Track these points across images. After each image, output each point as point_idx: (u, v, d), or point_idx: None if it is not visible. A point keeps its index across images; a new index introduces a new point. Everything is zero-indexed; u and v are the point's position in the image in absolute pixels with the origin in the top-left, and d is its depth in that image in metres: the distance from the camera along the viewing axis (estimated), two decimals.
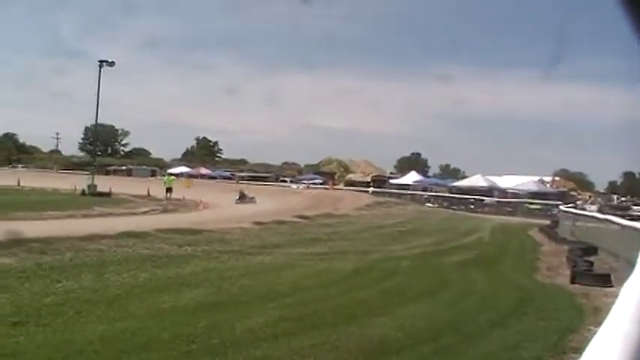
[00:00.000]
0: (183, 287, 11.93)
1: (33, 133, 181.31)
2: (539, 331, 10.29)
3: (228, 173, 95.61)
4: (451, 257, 20.05)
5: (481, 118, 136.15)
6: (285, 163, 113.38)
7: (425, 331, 10.22)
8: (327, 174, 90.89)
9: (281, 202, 42.81)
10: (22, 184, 53.27)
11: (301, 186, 74.69)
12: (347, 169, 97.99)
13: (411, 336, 9.72)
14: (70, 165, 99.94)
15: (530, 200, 59.79)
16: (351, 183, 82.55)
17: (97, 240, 16.59)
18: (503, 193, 65.57)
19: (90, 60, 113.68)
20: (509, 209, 57.32)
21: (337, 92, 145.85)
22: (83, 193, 43.77)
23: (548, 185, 74.72)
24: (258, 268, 15.07)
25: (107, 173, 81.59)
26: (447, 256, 20.34)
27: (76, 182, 47.89)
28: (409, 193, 67.38)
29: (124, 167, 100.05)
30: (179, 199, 40.88)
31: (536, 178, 69.59)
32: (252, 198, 47.37)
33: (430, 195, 67.69)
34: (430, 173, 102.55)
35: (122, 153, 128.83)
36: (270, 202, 41.38)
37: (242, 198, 47.97)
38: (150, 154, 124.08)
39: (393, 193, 66.52)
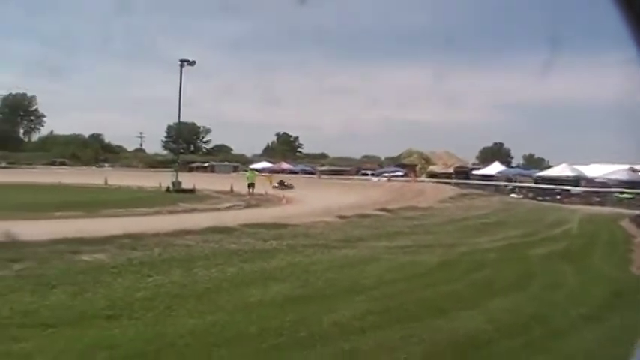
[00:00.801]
0: (270, 281, 12.01)
1: (118, 133, 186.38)
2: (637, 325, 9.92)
3: (309, 168, 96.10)
4: (539, 249, 19.56)
5: (565, 105, 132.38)
6: (366, 156, 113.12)
7: (514, 324, 10.02)
8: (409, 166, 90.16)
9: (363, 196, 42.72)
10: (109, 182, 54.91)
11: (382, 179, 74.39)
12: (428, 161, 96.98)
13: (499, 329, 9.54)
14: (154, 163, 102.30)
15: (621, 190, 57.68)
16: (432, 175, 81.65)
17: (184, 235, 16.90)
18: (591, 182, 63.42)
19: (171, 60, 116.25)
20: (598, 199, 55.43)
21: (416, 84, 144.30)
22: (168, 190, 44.79)
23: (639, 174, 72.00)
24: (342, 262, 15.05)
25: (190, 170, 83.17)
26: (535, 247, 19.86)
27: (160, 180, 49.06)
28: (493, 184, 66.06)
29: (206, 164, 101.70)
30: (261, 194, 41.32)
31: (626, 167, 67.08)
32: (291, 186, 51.29)
33: (514, 186, 66.17)
34: (514, 163, 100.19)
35: (204, 150, 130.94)
36: (352, 196, 41.35)
37: (281, 185, 53.41)
38: (231, 150, 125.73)
39: (476, 184, 65.43)
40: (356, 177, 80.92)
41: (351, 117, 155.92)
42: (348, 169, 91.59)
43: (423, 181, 69.85)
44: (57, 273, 11.51)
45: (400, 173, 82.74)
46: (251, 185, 43.96)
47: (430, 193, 46.06)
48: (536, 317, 10.45)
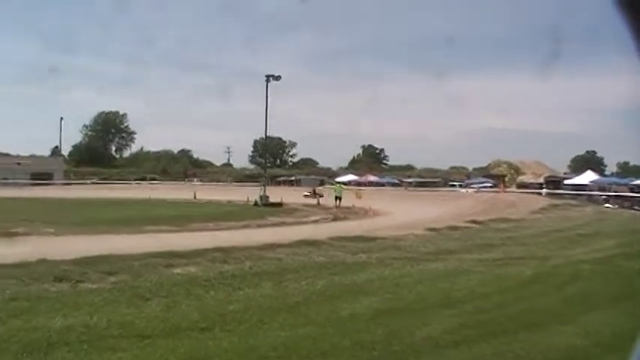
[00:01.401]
0: (360, 294, 11.92)
1: (206, 149, 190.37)
2: None
3: (395, 180, 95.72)
4: (637, 262, 18.81)
5: None
6: (453, 167, 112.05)
7: (613, 340, 9.62)
8: (497, 177, 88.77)
9: (451, 208, 42.19)
10: (198, 196, 55.94)
11: (470, 190, 73.41)
12: (517, 171, 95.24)
13: (597, 344, 9.18)
14: (242, 177, 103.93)
15: None
16: (522, 185, 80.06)
17: (274, 249, 17.04)
18: None
19: (256, 75, 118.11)
20: None
21: (503, 93, 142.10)
22: (256, 203, 45.28)
23: None
24: (433, 275, 14.83)
25: (277, 184, 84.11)
26: (633, 260, 19.09)
27: (248, 194, 49.69)
28: (585, 194, 64.20)
29: (293, 177, 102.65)
30: (348, 207, 41.31)
31: None
32: (322, 195, 51.31)
33: (609, 195, 64.03)
34: (607, 172, 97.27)
35: (290, 164, 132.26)
36: (440, 208, 40.86)
37: (313, 194, 55.28)
38: (317, 163, 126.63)
39: (568, 194, 63.66)
40: (443, 188, 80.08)
41: (436, 128, 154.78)
42: (435, 180, 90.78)
43: (512, 192, 68.50)
44: (150, 286, 11.77)
45: (488, 184, 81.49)
46: (338, 198, 44.02)
47: (520, 204, 45.11)
48: (635, 333, 9.99)
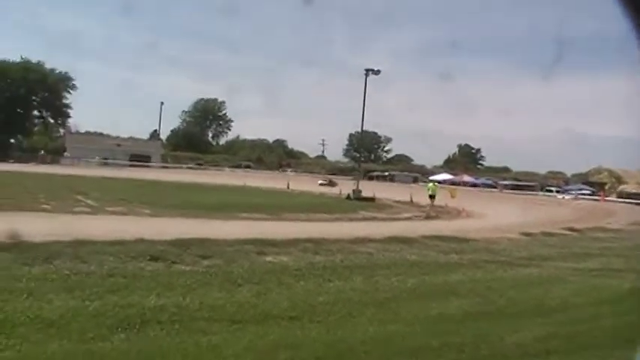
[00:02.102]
0: (450, 295, 11.74)
1: (301, 140, 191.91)
2: None
3: (490, 181, 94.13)
4: None
5: None
6: (551, 171, 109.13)
7: None
8: (597, 184, 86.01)
9: (548, 213, 41.13)
10: (291, 187, 56.41)
11: (568, 196, 71.41)
12: (619, 180, 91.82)
13: None
14: (335, 170, 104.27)
15: None
16: (624, 195, 77.23)
17: (365, 243, 17.01)
18: None
19: (355, 69, 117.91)
20: None
21: (607, 97, 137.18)
22: (348, 197, 45.23)
23: None
24: (525, 281, 14.46)
25: (370, 179, 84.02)
26: None
27: (341, 187, 49.77)
28: None
29: (386, 173, 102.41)
30: (441, 207, 40.82)
31: None
32: (336, 184, 53.98)
33: None
34: None
35: (384, 159, 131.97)
36: (536, 212, 39.91)
37: (329, 183, 58.33)
38: (412, 160, 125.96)
39: None
40: (540, 193, 78.18)
41: (536, 130, 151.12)
42: (531, 184, 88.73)
43: (612, 201, 66.21)
44: (243, 272, 11.94)
45: (587, 191, 79.05)
46: (432, 197, 43.50)
47: (621, 214, 43.57)
48: None
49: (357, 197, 44.59)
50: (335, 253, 15.03)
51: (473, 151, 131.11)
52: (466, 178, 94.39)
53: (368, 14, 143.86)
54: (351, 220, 28.09)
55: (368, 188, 48.22)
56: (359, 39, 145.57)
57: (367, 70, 53.32)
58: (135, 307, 8.86)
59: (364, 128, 60.12)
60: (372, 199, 43.43)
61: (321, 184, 65.08)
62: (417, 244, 18.23)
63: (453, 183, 79.82)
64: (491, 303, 11.60)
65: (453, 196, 45.81)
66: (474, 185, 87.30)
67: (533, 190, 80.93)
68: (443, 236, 20.33)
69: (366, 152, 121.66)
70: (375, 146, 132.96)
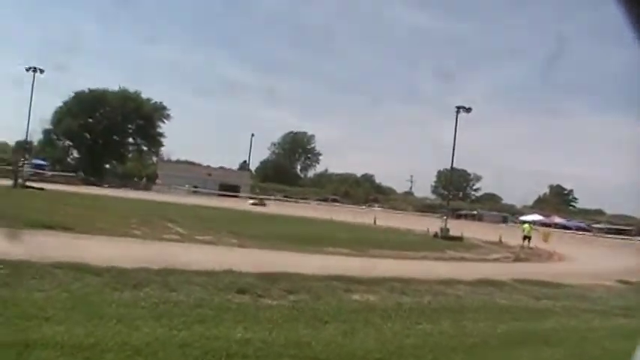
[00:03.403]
0: (543, 344, 11.26)
1: (389, 175, 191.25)
2: None
3: (583, 224, 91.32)
4: None
5: None
6: None
7: None
8: None
9: None
10: (377, 222, 56.08)
11: None
12: None
13: None
14: (423, 207, 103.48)
15: None
16: None
17: (454, 284, 16.61)
18: None
19: (445, 105, 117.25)
20: None
21: None
22: (435, 235, 44.64)
23: None
24: (623, 332, 13.75)
25: (458, 217, 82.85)
26: None
27: (428, 224, 49.16)
28: None
29: (474, 212, 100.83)
30: (531, 248, 39.80)
31: None
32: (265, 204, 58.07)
33: None
34: None
35: (473, 197, 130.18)
36: (633, 259, 38.27)
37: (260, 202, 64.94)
38: (501, 199, 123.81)
39: None
40: (637, 238, 75.25)
41: (633, 171, 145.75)
42: (628, 228, 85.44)
43: None
44: (329, 309, 11.78)
45: None
46: (527, 238, 42.53)
47: None
48: None
49: (444, 236, 43.91)
50: (423, 294, 14.72)
51: (565, 191, 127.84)
52: (557, 219, 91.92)
53: (460, 52, 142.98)
54: (438, 259, 27.60)
55: (456, 227, 47.48)
56: (451, 75, 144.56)
57: (458, 108, 53.03)
58: (221, 339, 8.82)
59: (454, 165, 59.53)
60: (459, 239, 42.66)
61: (252, 204, 73.16)
62: (507, 288, 17.70)
63: (543, 224, 77.80)
64: (586, 354, 11.09)
65: (545, 240, 44.60)
66: (566, 227, 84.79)
67: (629, 235, 78.00)
68: (534, 280, 19.68)
69: (455, 190, 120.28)
70: (464, 184, 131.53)
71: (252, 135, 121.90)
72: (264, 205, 74.76)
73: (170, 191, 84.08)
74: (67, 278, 11.69)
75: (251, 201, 78.63)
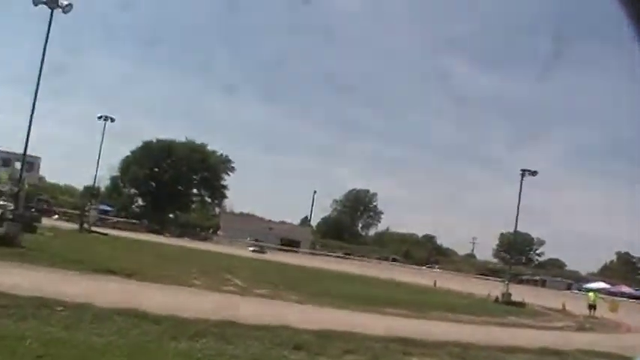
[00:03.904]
0: None
1: (451, 237, 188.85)
2: None
3: None
4: None
5: None
6: None
7: None
8: None
9: None
10: (437, 284, 55.28)
11: None
12: None
13: None
14: (484, 270, 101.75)
15: None
16: None
17: (515, 352, 16.09)
18: None
19: (510, 168, 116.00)
20: None
21: None
22: (497, 300, 43.75)
23: None
24: None
25: (520, 282, 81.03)
26: None
27: (489, 288, 48.24)
28: None
29: (537, 277, 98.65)
30: (596, 318, 38.54)
31: None
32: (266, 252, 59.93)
33: None
34: None
35: (536, 262, 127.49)
36: None
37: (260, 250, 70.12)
38: (565, 265, 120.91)
39: None
40: None
41: None
42: None
43: None
44: None
45: None
46: (592, 307, 41.24)
47: None
48: None
49: (506, 301, 42.97)
50: None
51: (633, 259, 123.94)
52: (624, 288, 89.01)
53: (526, 114, 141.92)
54: (499, 324, 26.86)
55: (518, 292, 46.42)
56: (518, 137, 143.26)
57: (523, 171, 52.31)
58: None
59: (517, 229, 58.50)
60: (522, 304, 41.65)
61: (252, 251, 73.68)
62: (571, 359, 17.06)
63: (609, 293, 75.41)
64: None
65: (613, 310, 43.12)
66: (634, 297, 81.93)
67: None
68: (600, 352, 18.94)
69: (517, 254, 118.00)
70: (527, 248, 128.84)
71: (315, 192, 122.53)
72: (264, 252, 74.84)
73: (231, 243, 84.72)
74: (126, 324, 11.78)
75: (251, 248, 78.14)
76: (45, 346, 9.34)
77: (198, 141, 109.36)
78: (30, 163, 34.75)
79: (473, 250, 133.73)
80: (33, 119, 30.95)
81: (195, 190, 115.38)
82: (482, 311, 31.52)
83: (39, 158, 38.21)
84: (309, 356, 11.87)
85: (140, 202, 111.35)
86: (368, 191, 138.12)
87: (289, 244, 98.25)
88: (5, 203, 36.00)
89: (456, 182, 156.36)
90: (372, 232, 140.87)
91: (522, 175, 52.22)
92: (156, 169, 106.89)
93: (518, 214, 53.02)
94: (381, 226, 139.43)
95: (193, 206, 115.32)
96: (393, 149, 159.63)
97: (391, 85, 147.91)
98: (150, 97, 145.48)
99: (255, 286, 26.33)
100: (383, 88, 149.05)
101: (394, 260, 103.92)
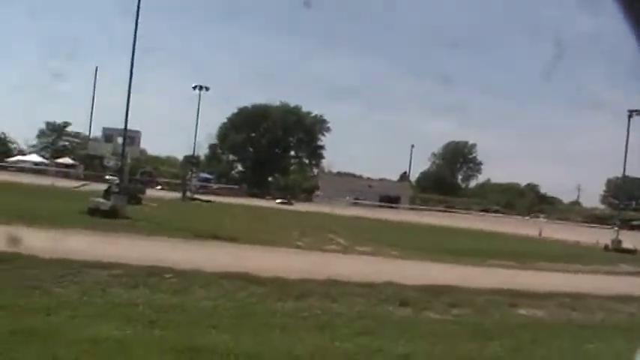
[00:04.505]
0: None
1: (554, 185, 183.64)
2: None
3: None
4: None
5: None
6: None
7: None
8: None
9: None
10: (542, 234, 54.01)
11: None
12: None
13: None
14: (591, 218, 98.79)
15: None
16: None
17: (629, 302, 15.48)
18: None
19: (617, 110, 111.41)
20: None
21: None
22: (606, 248, 42.39)
23: None
24: None
25: (631, 228, 78.27)
26: None
27: (598, 236, 46.79)
28: None
29: None
30: None
31: None
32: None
33: None
34: None
35: None
36: None
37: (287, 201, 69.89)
38: None
39: None
40: None
41: None
42: None
43: None
44: (494, 324, 11.37)
45: None
46: None
47: None
48: None
49: (616, 248, 41.57)
50: (594, 311, 13.86)
51: None
52: None
53: (629, 52, 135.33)
54: (609, 273, 26.02)
55: (629, 239, 44.82)
56: (623, 77, 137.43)
57: (630, 112, 50.01)
58: (383, 352, 8.72)
59: (626, 174, 56.27)
60: (633, 251, 40.19)
61: (278, 202, 73.28)
62: None
63: None
64: None
65: None
66: None
67: None
68: None
69: (626, 199, 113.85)
70: (637, 193, 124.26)
71: (412, 146, 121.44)
72: (291, 204, 74.61)
73: (331, 203, 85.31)
74: (232, 288, 12.03)
75: (278, 200, 77.76)
76: (156, 312, 9.66)
77: (292, 103, 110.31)
78: (131, 137, 35.70)
79: (578, 198, 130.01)
80: (131, 94, 31.65)
81: (292, 153, 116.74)
82: (591, 260, 30.59)
83: (139, 132, 39.08)
84: (415, 312, 11.83)
85: (239, 167, 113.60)
86: (467, 142, 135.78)
87: (389, 200, 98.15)
88: (112, 178, 37.35)
89: (558, 128, 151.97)
90: (472, 184, 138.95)
91: (630, 117, 50.04)
92: (253, 135, 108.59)
93: (626, 158, 50.99)
94: (481, 178, 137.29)
95: (292, 168, 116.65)
96: (491, 98, 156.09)
97: (492, 37, 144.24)
98: (243, 63, 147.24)
99: (357, 244, 26.43)
100: (483, 39, 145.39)
101: (496, 211, 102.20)
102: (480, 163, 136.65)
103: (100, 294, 10.68)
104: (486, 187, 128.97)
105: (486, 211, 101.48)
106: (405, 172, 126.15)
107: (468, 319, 11.62)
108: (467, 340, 10.03)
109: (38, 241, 15.06)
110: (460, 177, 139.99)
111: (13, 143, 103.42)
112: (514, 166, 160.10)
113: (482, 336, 10.33)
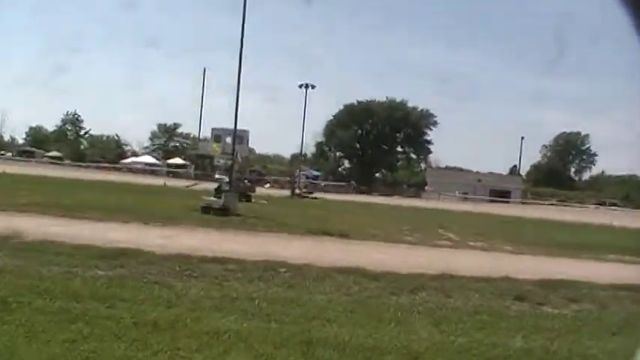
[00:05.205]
0: None
1: None
2: None
3: None
4: None
5: None
6: None
7: None
8: None
9: None
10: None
11: None
12: None
13: None
14: None
15: None
16: None
17: None
18: None
19: None
20: None
21: None
22: None
23: None
24: None
25: None
26: None
27: None
28: None
29: None
30: None
31: None
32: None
33: None
34: None
35: None
36: None
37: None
38: None
39: None
40: None
41: None
42: None
43: None
44: (618, 319, 10.92)
45: None
46: None
47: None
48: None
49: None
50: None
51: None
52: None
53: None
54: None
55: None
56: None
57: None
58: (500, 347, 8.55)
59: None
60: None
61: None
62: None
63: None
64: None
65: None
66: None
67: None
68: None
69: None
70: None
71: (522, 138, 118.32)
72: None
73: (439, 198, 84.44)
74: (346, 282, 12.10)
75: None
76: (272, 305, 9.80)
77: (398, 99, 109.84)
78: (239, 136, 36.42)
79: None
80: (239, 95, 32.37)
81: (399, 148, 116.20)
82: None
83: (247, 131, 39.87)
84: (531, 307, 11.55)
85: (346, 164, 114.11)
86: (579, 133, 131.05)
87: (499, 194, 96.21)
88: (222, 176, 38.23)
89: None
90: (585, 176, 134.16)
91: None
92: (359, 131, 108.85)
93: None
94: (595, 170, 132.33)
95: (399, 164, 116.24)
96: (603, 85, 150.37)
97: (605, 23, 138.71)
98: (346, 61, 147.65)
99: (469, 239, 26.06)
100: (594, 26, 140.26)
101: (612, 204, 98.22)
102: (594, 154, 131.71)
103: (218, 288, 10.93)
104: (601, 180, 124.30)
105: (601, 204, 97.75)
106: (514, 165, 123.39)
107: (589, 315, 11.23)
108: (588, 336, 9.71)
109: (156, 237, 15.61)
110: (573, 169, 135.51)
111: (127, 145, 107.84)
112: (632, 157, 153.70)
113: (605, 332, 9.96)
